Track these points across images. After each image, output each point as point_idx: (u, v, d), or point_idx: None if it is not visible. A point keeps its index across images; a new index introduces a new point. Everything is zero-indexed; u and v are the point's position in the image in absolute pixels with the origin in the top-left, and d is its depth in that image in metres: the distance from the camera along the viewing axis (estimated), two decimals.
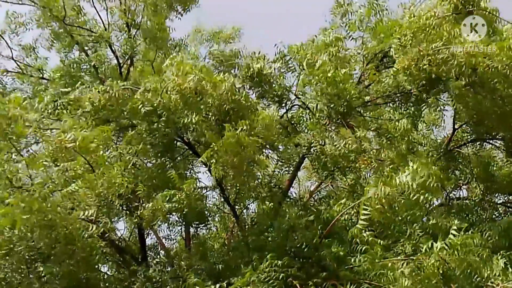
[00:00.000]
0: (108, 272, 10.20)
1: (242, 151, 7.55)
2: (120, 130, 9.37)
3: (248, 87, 9.97)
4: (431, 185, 6.35)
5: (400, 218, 7.21)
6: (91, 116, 8.49)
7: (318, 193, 11.85)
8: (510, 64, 7.78)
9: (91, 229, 7.36)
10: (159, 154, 9.53)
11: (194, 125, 8.31)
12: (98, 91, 8.49)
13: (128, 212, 8.77)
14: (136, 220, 8.33)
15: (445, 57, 7.90)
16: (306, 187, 12.69)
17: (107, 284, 8.97)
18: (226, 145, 7.48)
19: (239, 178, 8.08)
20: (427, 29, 8.36)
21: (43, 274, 7.64)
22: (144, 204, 8.09)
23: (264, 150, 8.72)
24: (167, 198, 7.82)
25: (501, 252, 7.96)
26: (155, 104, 8.27)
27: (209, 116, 8.16)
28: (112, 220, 9.65)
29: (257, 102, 8.84)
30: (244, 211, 11.13)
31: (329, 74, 8.84)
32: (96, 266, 8.42)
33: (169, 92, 8.06)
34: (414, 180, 6.32)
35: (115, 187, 7.51)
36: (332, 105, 9.43)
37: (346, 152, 8.63)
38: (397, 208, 6.86)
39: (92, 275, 8.25)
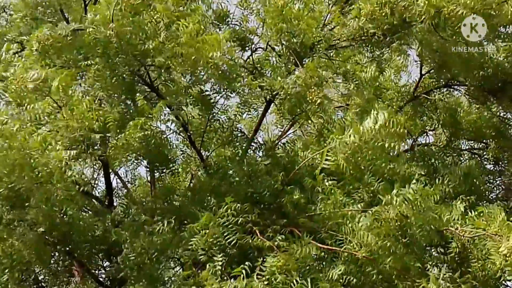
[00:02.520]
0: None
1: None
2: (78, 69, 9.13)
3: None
4: (396, 130, 6.31)
5: (364, 166, 7.15)
6: (45, 55, 8.18)
7: (284, 139, 11.81)
8: (475, 8, 7.65)
9: (67, 172, 7.25)
10: (122, 96, 9.34)
11: (152, 52, 8.04)
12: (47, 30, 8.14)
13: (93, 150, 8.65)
14: (102, 160, 8.19)
15: (407, 4, 7.79)
16: (272, 132, 12.63)
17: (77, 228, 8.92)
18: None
19: None
20: None
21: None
22: (111, 142, 7.90)
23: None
24: (131, 135, 7.61)
25: (460, 196, 8.11)
26: (108, 34, 7.96)
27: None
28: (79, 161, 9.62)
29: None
30: (210, 155, 11.11)
31: (284, 11, 8.64)
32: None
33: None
34: (379, 126, 6.24)
35: (87, 121, 7.36)
36: (292, 46, 9.28)
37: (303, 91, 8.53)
38: (362, 156, 6.77)
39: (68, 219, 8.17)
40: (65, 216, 8.19)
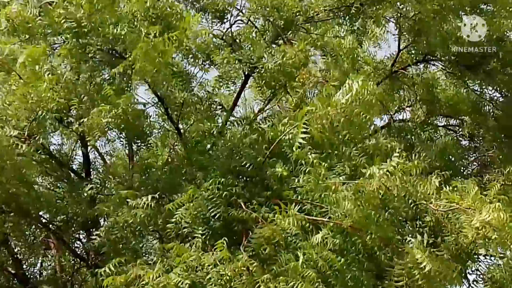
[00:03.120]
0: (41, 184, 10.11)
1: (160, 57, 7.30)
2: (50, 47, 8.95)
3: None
4: (371, 102, 6.33)
5: (341, 138, 7.18)
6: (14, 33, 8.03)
7: (264, 113, 11.77)
8: None
9: (21, 147, 7.23)
10: (94, 72, 9.20)
11: (122, 37, 7.94)
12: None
13: (66, 127, 8.52)
14: (72, 135, 8.09)
15: None
16: (252, 107, 12.58)
17: (42, 201, 8.82)
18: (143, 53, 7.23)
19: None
20: None
21: None
22: (81, 120, 7.80)
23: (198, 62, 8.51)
24: (103, 113, 7.51)
25: (436, 171, 8.24)
26: (78, 17, 7.84)
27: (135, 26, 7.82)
28: (50, 134, 9.47)
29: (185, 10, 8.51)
30: (188, 129, 11.03)
31: None
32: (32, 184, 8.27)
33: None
34: (354, 98, 6.24)
35: (45, 101, 7.24)
36: (271, 19, 9.22)
37: (286, 66, 8.51)
38: (338, 127, 6.79)
39: (25, 192, 8.06)
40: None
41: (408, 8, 9.63)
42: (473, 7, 9.60)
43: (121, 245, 7.68)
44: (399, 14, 9.80)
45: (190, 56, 9.39)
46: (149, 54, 7.31)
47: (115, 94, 8.02)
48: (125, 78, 9.92)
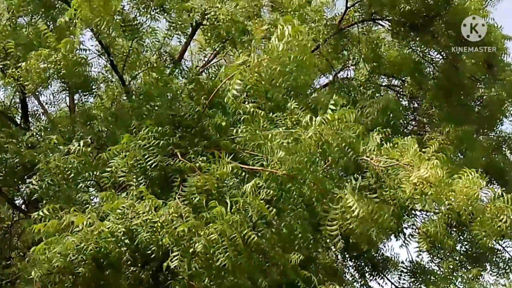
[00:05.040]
0: None
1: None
2: None
3: None
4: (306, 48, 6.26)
5: (278, 87, 7.13)
6: None
7: (210, 66, 11.66)
8: None
9: None
10: (35, 13, 8.90)
11: None
12: None
13: (2, 72, 8.26)
14: (9, 81, 7.84)
15: None
16: (199, 59, 12.44)
17: None
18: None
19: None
20: None
21: None
22: (19, 64, 7.56)
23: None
24: (41, 58, 7.29)
25: (377, 128, 8.35)
26: None
27: None
28: None
29: None
30: (133, 81, 10.85)
31: None
32: None
33: None
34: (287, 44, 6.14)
35: None
36: None
37: (237, 16, 8.40)
38: (274, 77, 6.71)
39: None
40: None
41: None
42: None
43: (53, 192, 7.50)
44: None
45: (142, 5, 9.12)
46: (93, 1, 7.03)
47: (57, 40, 7.76)
48: (69, 25, 9.72)
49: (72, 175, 7.24)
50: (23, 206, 10.42)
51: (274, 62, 6.13)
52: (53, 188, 7.40)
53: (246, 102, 7.27)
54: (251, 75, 6.29)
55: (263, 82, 6.33)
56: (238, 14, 8.83)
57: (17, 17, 8.69)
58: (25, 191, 8.30)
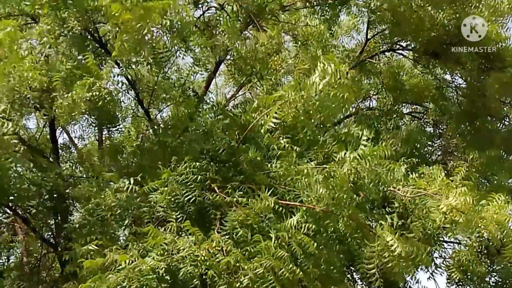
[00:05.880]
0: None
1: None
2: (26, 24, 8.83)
3: None
4: (347, 85, 6.42)
5: (313, 122, 7.29)
6: None
7: (236, 99, 11.85)
8: None
9: (6, 126, 7.07)
10: (70, 52, 9.07)
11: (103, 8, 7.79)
12: None
13: (40, 108, 8.43)
14: (48, 117, 7.99)
15: None
16: (224, 93, 12.67)
17: (18, 185, 8.71)
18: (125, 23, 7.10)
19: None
20: None
21: None
22: (58, 100, 7.71)
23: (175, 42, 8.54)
24: (79, 95, 7.42)
25: (402, 158, 8.46)
26: None
27: None
28: (24, 117, 9.32)
29: None
30: (159, 114, 11.05)
31: None
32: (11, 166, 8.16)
33: None
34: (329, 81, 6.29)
35: (27, 80, 7.15)
36: (245, 6, 9.27)
37: (259, 53, 8.58)
38: (311, 112, 6.88)
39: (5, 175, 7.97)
40: None
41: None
42: None
43: (94, 229, 7.63)
44: (368, 5, 9.87)
45: (169, 33, 9.27)
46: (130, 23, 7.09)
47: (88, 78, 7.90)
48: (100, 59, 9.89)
49: (119, 211, 7.35)
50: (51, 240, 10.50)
51: (312, 98, 6.27)
52: (99, 223, 7.51)
53: (280, 137, 7.38)
54: (289, 111, 6.41)
55: (301, 118, 6.45)
56: (259, 51, 9.00)
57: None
58: (70, 225, 8.40)
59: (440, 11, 9.88)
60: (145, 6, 7.12)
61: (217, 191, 7.07)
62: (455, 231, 7.72)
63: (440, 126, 11.81)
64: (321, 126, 8.19)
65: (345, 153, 6.86)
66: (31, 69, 7.27)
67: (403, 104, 11.93)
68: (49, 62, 8.44)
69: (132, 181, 7.21)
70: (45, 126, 10.62)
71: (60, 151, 10.80)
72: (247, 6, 9.25)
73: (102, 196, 7.40)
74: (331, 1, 9.11)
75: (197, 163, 7.22)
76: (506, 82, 10.09)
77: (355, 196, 7.10)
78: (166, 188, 7.12)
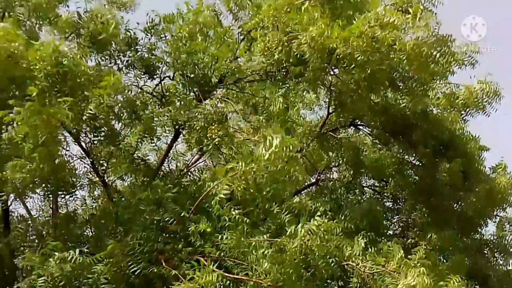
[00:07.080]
0: None
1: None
2: None
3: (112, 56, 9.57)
4: (295, 159, 6.41)
5: (264, 194, 7.24)
6: None
7: (196, 166, 11.72)
8: (365, 50, 7.84)
9: None
10: None
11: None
12: None
13: None
14: None
15: (300, 42, 7.98)
16: (184, 161, 12.53)
17: None
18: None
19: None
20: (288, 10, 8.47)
21: None
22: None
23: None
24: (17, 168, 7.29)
25: (362, 232, 8.38)
26: None
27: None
28: None
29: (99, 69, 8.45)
30: (116, 182, 10.84)
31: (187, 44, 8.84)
32: None
33: None
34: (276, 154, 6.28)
35: None
36: (196, 78, 9.35)
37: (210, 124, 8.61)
38: (261, 184, 6.85)
39: None
40: None
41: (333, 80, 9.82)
42: (392, 84, 9.78)
43: None
44: (327, 82, 10.00)
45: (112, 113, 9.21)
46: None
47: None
48: None
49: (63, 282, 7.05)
50: None
51: (262, 171, 6.24)
52: None
53: (231, 209, 7.27)
54: (239, 183, 6.36)
55: (251, 190, 6.40)
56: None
57: None
58: None
59: (398, 96, 10.09)
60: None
61: (163, 263, 6.87)
62: None
63: (399, 202, 11.80)
64: (273, 198, 8.12)
65: (296, 227, 6.77)
66: None
67: (363, 178, 11.92)
68: None
69: (77, 252, 6.96)
70: None
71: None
72: (198, 78, 9.33)
73: (45, 266, 7.11)
74: (281, 75, 9.19)
75: (145, 234, 7.04)
76: (455, 172, 10.22)
77: (305, 271, 6.97)
78: (111, 259, 6.90)
